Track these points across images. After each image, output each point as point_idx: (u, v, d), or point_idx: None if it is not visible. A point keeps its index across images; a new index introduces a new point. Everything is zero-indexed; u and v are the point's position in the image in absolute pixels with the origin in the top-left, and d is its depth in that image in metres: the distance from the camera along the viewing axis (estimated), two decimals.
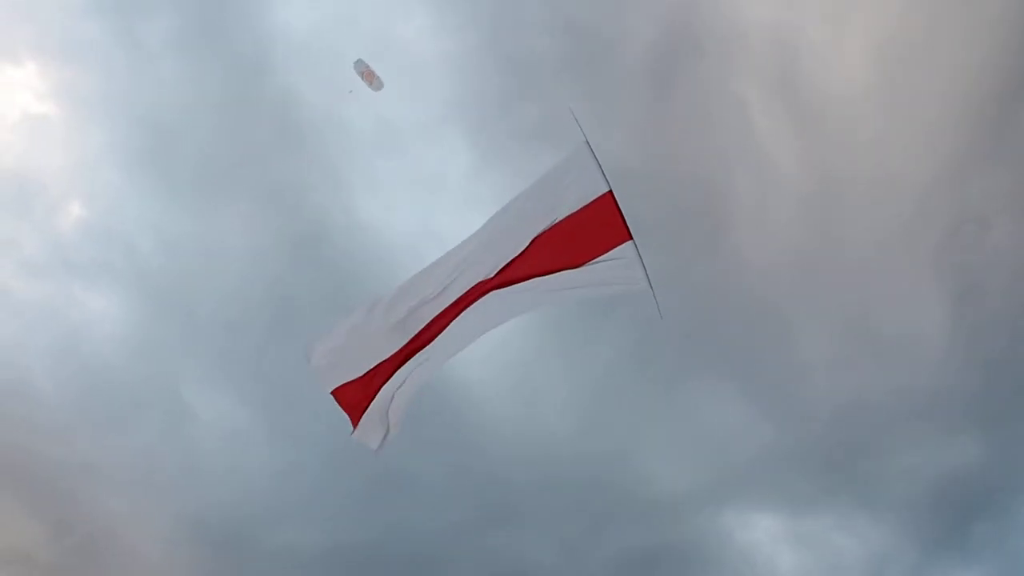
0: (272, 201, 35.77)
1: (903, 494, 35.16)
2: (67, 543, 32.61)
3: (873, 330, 34.34)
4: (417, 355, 11.37)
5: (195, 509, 33.82)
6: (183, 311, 35.04)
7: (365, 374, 11.21)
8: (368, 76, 23.24)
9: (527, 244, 10.85)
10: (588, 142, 10.86)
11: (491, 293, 10.95)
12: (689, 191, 32.61)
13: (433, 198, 37.88)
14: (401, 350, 11.22)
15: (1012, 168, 31.06)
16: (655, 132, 32.58)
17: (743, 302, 33.37)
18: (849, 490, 35.94)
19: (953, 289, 32.89)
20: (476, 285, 11.01)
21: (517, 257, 10.88)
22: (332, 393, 11.34)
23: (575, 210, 10.80)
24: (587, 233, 10.71)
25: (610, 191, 10.74)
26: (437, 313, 11.27)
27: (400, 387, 11.32)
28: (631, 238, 10.52)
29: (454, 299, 11.17)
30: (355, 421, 11.36)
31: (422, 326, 11.36)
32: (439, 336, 11.29)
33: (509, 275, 10.90)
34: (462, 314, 11.16)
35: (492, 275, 10.95)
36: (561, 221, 10.83)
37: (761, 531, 37.08)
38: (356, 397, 11.27)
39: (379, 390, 11.20)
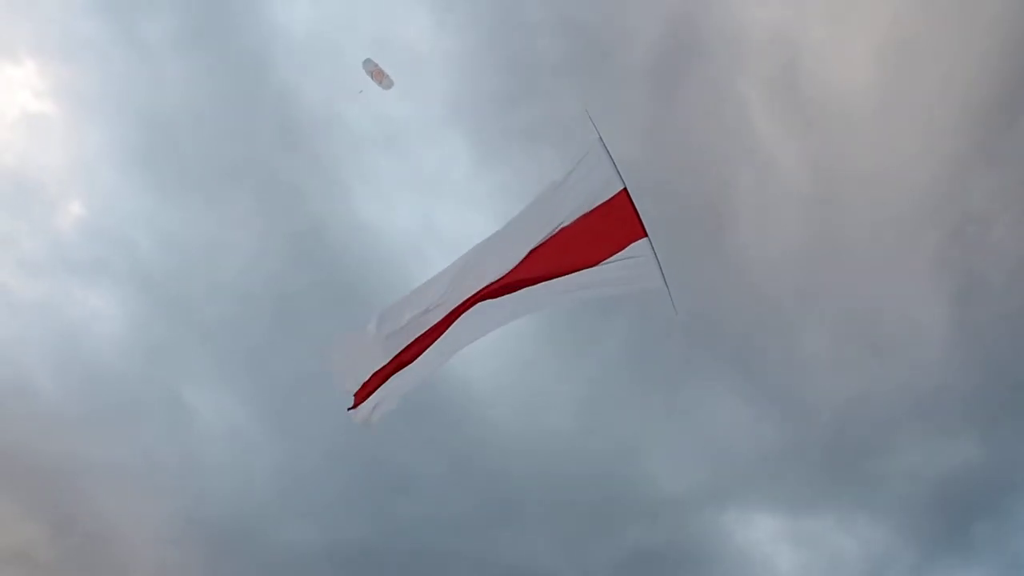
0: (272, 200, 35.77)
1: (903, 494, 35.29)
2: (66, 542, 32.54)
3: (874, 330, 34.48)
4: (428, 349, 11.43)
5: (195, 507, 33.79)
6: (183, 310, 35.03)
7: (383, 368, 11.26)
8: (378, 75, 23.19)
9: (544, 242, 10.85)
10: (602, 139, 10.84)
11: (507, 296, 10.96)
12: (691, 191, 32.66)
13: (433, 197, 37.97)
14: (414, 343, 11.27)
15: (1012, 168, 31.17)
16: (656, 132, 32.65)
17: (744, 302, 33.46)
18: (849, 490, 36.09)
19: (953, 288, 33.02)
20: (492, 284, 11.00)
21: (534, 256, 10.87)
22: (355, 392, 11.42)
23: (590, 209, 10.78)
24: (602, 231, 10.68)
25: (625, 188, 10.73)
26: (447, 313, 11.29)
27: (408, 371, 11.40)
28: (646, 235, 10.50)
29: (466, 298, 11.18)
30: (358, 401, 11.47)
31: (433, 323, 11.40)
32: (447, 331, 11.32)
33: (525, 275, 10.89)
34: (474, 308, 11.16)
35: (508, 275, 10.94)
36: (577, 220, 10.82)
37: (761, 530, 37.19)
38: (371, 388, 11.35)
39: (390, 377, 11.31)
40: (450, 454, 34.58)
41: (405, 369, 11.46)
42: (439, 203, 37.95)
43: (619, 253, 10.74)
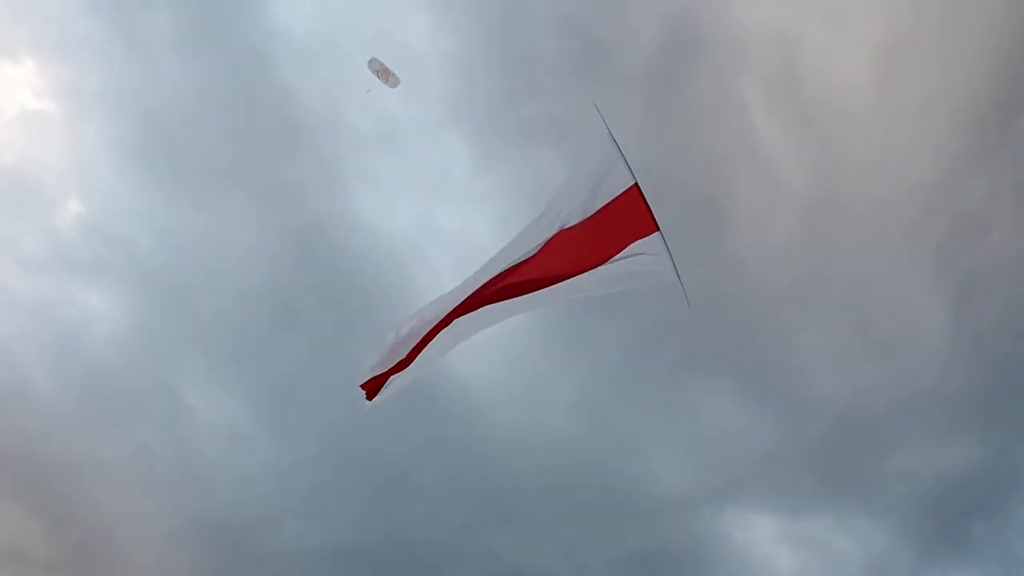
0: (272, 199, 35.72)
1: (903, 494, 35.29)
2: (65, 542, 32.39)
3: (873, 331, 34.51)
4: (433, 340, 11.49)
5: (194, 509, 33.66)
6: (182, 309, 34.93)
7: (400, 361, 11.32)
8: (384, 74, 23.06)
9: (554, 241, 10.86)
10: (612, 135, 10.82)
11: (521, 297, 10.98)
12: (691, 191, 32.69)
13: (433, 197, 38.02)
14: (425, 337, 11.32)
15: (1012, 169, 31.26)
16: (656, 132, 32.67)
17: (744, 302, 33.45)
18: (849, 490, 36.11)
19: (953, 290, 33.09)
20: (504, 285, 11.03)
21: (544, 255, 10.88)
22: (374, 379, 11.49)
23: (602, 205, 10.76)
24: (614, 227, 10.65)
25: (636, 184, 10.71)
26: (455, 308, 11.32)
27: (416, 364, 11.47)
28: (658, 229, 10.46)
29: (478, 296, 11.22)
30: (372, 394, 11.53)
31: (439, 320, 11.43)
32: (451, 325, 11.37)
33: (538, 274, 10.89)
34: (485, 307, 11.18)
35: (518, 276, 10.97)
36: (589, 217, 10.80)
37: (760, 531, 37.22)
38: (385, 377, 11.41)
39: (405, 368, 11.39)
40: (450, 454, 34.55)
41: (415, 361, 11.52)
42: (439, 202, 38.07)
43: (628, 249, 10.72)
